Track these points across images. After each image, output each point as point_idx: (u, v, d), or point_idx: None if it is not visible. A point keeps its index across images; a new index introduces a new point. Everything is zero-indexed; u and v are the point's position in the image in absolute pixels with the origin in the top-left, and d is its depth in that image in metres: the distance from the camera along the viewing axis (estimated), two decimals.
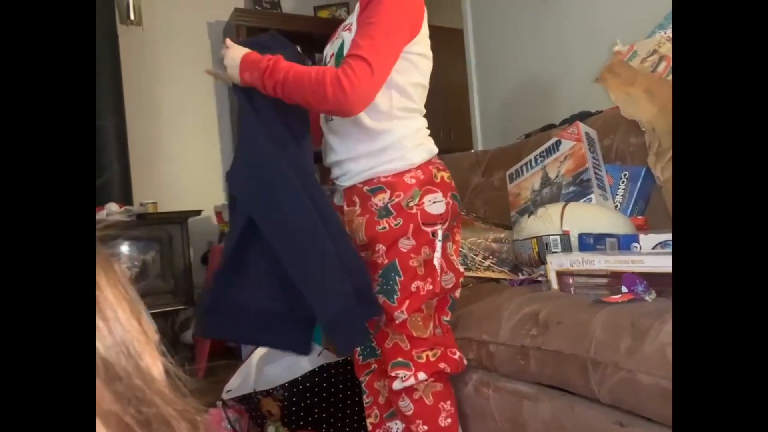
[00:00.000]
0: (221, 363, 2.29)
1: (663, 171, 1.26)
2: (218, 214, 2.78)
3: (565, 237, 1.22)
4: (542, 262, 1.25)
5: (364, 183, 1.05)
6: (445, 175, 1.08)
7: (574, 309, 0.89)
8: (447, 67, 2.14)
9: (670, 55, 1.28)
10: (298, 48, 1.14)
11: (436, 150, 1.09)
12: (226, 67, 1.00)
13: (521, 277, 1.32)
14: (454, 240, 1.12)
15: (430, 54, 1.08)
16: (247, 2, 3.24)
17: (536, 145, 1.76)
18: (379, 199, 1.02)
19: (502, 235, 1.46)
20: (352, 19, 1.06)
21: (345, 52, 0.99)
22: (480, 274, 1.37)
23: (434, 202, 1.02)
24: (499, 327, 1.00)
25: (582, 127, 1.46)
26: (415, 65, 1.04)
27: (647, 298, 0.84)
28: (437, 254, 1.01)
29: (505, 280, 1.34)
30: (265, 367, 1.58)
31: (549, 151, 1.53)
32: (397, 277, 1.00)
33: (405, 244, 1.00)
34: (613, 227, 1.19)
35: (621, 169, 1.42)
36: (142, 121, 2.92)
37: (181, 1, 3.11)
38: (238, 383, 1.52)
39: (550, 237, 1.23)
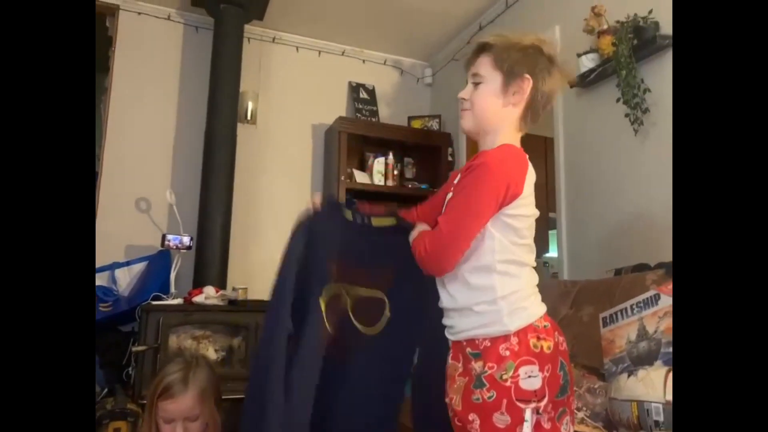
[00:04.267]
0: None
1: None
2: None
3: (668, 407, 1.20)
4: (641, 427, 1.23)
5: (468, 343, 1.05)
6: (546, 345, 1.02)
7: None
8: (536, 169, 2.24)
9: None
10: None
11: (539, 313, 1.05)
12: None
13: None
14: (570, 411, 1.05)
15: (534, 211, 1.09)
16: (349, 111, 3.56)
17: (629, 287, 1.77)
18: (477, 366, 1.01)
19: (596, 386, 1.45)
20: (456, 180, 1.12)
21: None
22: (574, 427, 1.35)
23: (529, 377, 0.98)
24: None
25: None
26: (512, 227, 1.05)
27: None
28: None
29: None
30: None
31: (647, 303, 1.54)
32: None
33: (500, 420, 0.97)
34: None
35: None
36: (245, 208, 3.19)
37: (292, 106, 3.47)
38: None
39: (652, 404, 1.22)
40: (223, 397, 2.39)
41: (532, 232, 1.10)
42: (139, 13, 3.19)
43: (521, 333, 1.01)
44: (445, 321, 1.12)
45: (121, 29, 3.16)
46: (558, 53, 1.13)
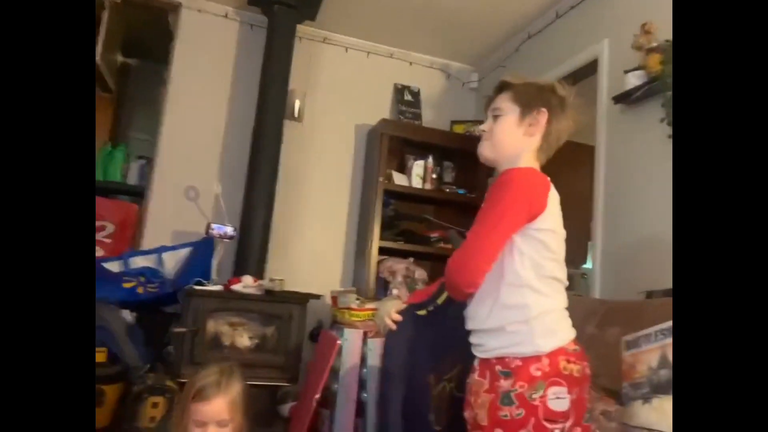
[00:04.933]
0: None
1: None
2: (334, 298, 3.01)
3: None
4: None
5: (498, 361, 1.08)
6: (576, 368, 1.06)
7: None
8: (572, 180, 2.22)
9: None
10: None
11: (569, 337, 1.10)
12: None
13: None
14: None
15: (562, 230, 1.14)
16: (393, 113, 3.62)
17: (658, 312, 1.75)
18: (505, 384, 1.05)
19: (611, 409, 1.46)
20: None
21: None
22: None
23: (557, 398, 1.02)
24: None
25: None
26: (541, 241, 1.09)
27: None
28: None
29: None
30: None
31: (671, 331, 1.53)
32: None
33: None
34: None
35: None
36: (287, 202, 3.32)
37: (337, 106, 3.57)
38: None
39: None
40: (254, 383, 2.53)
41: (563, 250, 1.14)
42: (199, 11, 3.35)
43: (552, 355, 1.05)
44: (474, 340, 1.17)
45: (182, 25, 3.33)
46: (571, 97, 1.20)
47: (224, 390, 1.33)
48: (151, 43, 3.77)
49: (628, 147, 2.42)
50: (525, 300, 1.08)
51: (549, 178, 1.14)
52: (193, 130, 3.30)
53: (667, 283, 2.04)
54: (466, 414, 1.15)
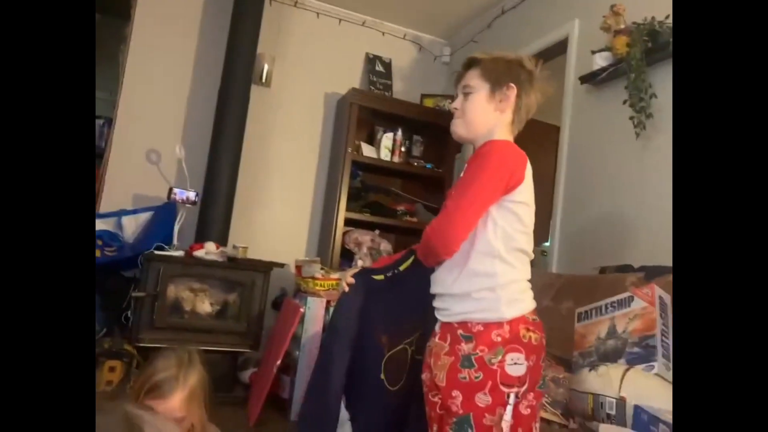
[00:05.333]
0: (270, 414, 2.45)
1: None
2: (298, 267, 3.01)
3: (620, 402, 1.29)
4: (595, 418, 1.31)
5: (460, 325, 1.12)
6: (534, 336, 1.10)
7: None
8: (537, 159, 2.26)
9: None
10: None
11: (531, 307, 1.13)
12: None
13: (572, 424, 1.38)
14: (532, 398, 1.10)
15: (533, 204, 1.17)
16: (363, 83, 3.58)
17: (610, 286, 1.83)
18: (466, 348, 1.09)
19: (561, 376, 1.53)
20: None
21: None
22: None
23: (515, 363, 1.06)
24: None
25: (657, 291, 1.52)
26: (515, 213, 1.12)
27: None
28: (507, 417, 1.05)
29: (556, 423, 1.41)
30: None
31: (621, 304, 1.60)
32: (470, 430, 1.05)
33: (481, 400, 1.05)
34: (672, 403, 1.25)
35: None
36: (252, 169, 3.26)
37: (307, 73, 3.50)
38: None
39: (607, 398, 1.30)
40: (214, 349, 2.52)
41: (533, 223, 1.18)
42: None
43: (514, 322, 1.09)
44: (438, 304, 1.20)
45: None
46: (538, 70, 1.22)
47: (181, 386, 1.24)
48: None
49: (591, 127, 2.47)
50: (494, 269, 1.11)
51: (521, 151, 1.17)
52: (156, 91, 3.18)
53: (620, 259, 2.13)
54: (424, 376, 1.18)
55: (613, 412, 1.28)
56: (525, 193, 1.14)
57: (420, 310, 1.29)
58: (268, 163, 3.39)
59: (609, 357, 1.51)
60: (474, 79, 1.21)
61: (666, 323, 1.49)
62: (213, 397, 1.35)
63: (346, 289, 1.32)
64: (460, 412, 1.07)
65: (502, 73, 1.20)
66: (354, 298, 1.31)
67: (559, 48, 2.74)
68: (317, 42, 3.53)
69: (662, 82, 2.05)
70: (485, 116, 1.19)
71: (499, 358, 1.06)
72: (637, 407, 1.22)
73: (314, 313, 2.59)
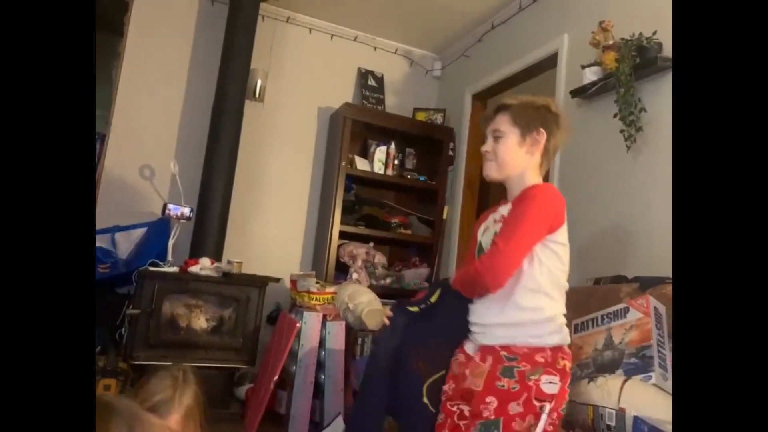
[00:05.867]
0: (267, 429, 2.43)
1: None
2: (293, 282, 3.00)
3: (620, 413, 1.30)
4: (595, 429, 1.32)
5: (503, 348, 1.20)
6: (568, 365, 1.21)
7: None
8: None
9: None
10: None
11: (568, 341, 1.24)
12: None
13: None
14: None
15: (568, 244, 1.27)
16: (356, 96, 3.61)
17: (604, 298, 1.86)
18: (510, 363, 1.17)
19: None
20: (504, 212, 1.29)
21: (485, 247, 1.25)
22: None
23: (550, 383, 1.16)
24: None
25: (651, 302, 1.55)
26: (556, 253, 1.23)
27: None
28: (540, 427, 1.13)
29: None
30: None
31: (616, 315, 1.63)
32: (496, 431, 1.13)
33: (514, 409, 1.13)
34: (671, 413, 1.27)
35: None
36: (247, 184, 3.27)
37: (300, 88, 3.52)
38: None
39: (606, 410, 1.32)
40: (210, 365, 2.50)
41: (569, 261, 1.28)
42: None
43: (554, 350, 1.20)
44: (477, 329, 1.27)
45: None
46: (563, 113, 1.31)
47: (177, 406, 1.20)
48: (105, 14, 3.59)
49: (583, 140, 2.51)
50: (540, 303, 1.21)
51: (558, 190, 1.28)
52: (149, 107, 3.18)
53: (614, 270, 2.15)
54: (446, 387, 1.26)
55: (613, 423, 1.29)
56: (564, 234, 1.25)
57: (452, 337, 1.37)
58: (262, 177, 3.40)
59: (606, 368, 1.53)
60: (504, 125, 1.28)
61: (662, 333, 1.51)
62: (209, 414, 1.32)
63: (387, 322, 1.39)
64: (492, 417, 1.13)
65: (532, 118, 1.27)
66: (393, 331, 1.38)
67: (550, 62, 2.79)
68: (310, 57, 3.56)
69: (651, 96, 2.10)
70: (517, 159, 1.28)
71: (537, 376, 1.16)
72: (636, 418, 1.23)
73: (311, 328, 2.58)
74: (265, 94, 3.37)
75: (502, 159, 1.28)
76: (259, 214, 3.36)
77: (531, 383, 1.15)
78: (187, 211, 2.83)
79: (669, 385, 1.43)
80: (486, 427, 1.13)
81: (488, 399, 1.16)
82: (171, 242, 2.80)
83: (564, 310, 1.26)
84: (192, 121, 3.23)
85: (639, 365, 1.45)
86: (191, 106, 3.25)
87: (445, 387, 1.28)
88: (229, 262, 2.85)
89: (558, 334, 1.22)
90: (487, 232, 1.32)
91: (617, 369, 1.49)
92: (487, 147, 1.31)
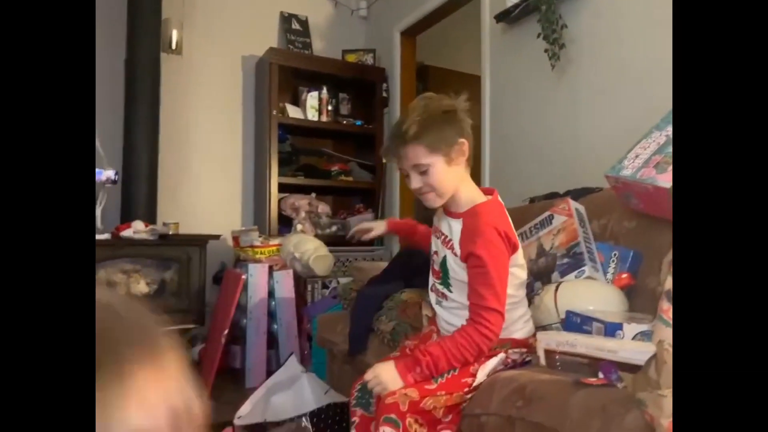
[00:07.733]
0: (225, 384, 2.42)
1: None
2: (235, 238, 2.93)
3: (563, 323, 1.35)
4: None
5: None
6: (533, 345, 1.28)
7: (556, 387, 1.03)
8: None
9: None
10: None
11: (533, 331, 1.30)
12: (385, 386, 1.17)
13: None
14: None
15: (523, 261, 1.29)
16: (281, 42, 3.45)
17: (538, 214, 1.92)
18: None
19: None
20: (452, 236, 1.24)
21: (449, 269, 1.25)
22: None
23: (519, 355, 1.27)
24: (490, 399, 1.13)
25: (572, 204, 1.61)
26: (515, 275, 1.24)
27: (618, 385, 0.98)
28: (490, 365, 1.21)
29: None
30: (272, 397, 1.72)
31: (543, 224, 1.69)
32: None
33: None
34: (605, 300, 1.35)
35: (612, 249, 1.56)
36: (173, 143, 3.10)
37: (220, 35, 3.33)
38: (248, 410, 1.65)
39: (552, 325, 1.36)
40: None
41: (525, 276, 1.32)
42: None
43: (519, 342, 1.28)
44: (451, 328, 1.26)
45: None
46: (465, 102, 1.22)
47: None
48: None
49: (510, 67, 2.53)
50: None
51: (504, 206, 1.27)
52: None
53: (546, 189, 2.23)
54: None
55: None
56: (519, 255, 1.25)
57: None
58: (189, 134, 3.24)
59: (543, 275, 1.59)
60: (424, 157, 1.18)
61: (586, 230, 1.58)
62: None
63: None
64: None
65: (446, 135, 1.18)
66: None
67: None
68: (227, 3, 3.35)
69: (572, 13, 2.12)
70: (451, 179, 1.21)
71: (506, 348, 1.25)
72: (568, 312, 1.29)
73: (257, 279, 2.55)
74: (183, 45, 3.17)
75: (439, 187, 1.21)
76: (191, 173, 3.22)
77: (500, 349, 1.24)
78: (111, 174, 2.67)
79: (601, 275, 1.50)
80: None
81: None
82: (99, 209, 2.65)
83: (526, 303, 1.33)
84: (105, 79, 2.97)
85: (571, 263, 1.52)
86: (102, 62, 2.98)
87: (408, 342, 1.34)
88: (164, 224, 2.74)
89: (522, 330, 1.29)
90: (437, 256, 1.32)
91: (552, 272, 1.55)
92: (417, 183, 1.21)
